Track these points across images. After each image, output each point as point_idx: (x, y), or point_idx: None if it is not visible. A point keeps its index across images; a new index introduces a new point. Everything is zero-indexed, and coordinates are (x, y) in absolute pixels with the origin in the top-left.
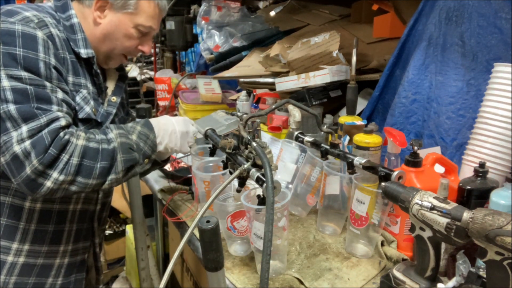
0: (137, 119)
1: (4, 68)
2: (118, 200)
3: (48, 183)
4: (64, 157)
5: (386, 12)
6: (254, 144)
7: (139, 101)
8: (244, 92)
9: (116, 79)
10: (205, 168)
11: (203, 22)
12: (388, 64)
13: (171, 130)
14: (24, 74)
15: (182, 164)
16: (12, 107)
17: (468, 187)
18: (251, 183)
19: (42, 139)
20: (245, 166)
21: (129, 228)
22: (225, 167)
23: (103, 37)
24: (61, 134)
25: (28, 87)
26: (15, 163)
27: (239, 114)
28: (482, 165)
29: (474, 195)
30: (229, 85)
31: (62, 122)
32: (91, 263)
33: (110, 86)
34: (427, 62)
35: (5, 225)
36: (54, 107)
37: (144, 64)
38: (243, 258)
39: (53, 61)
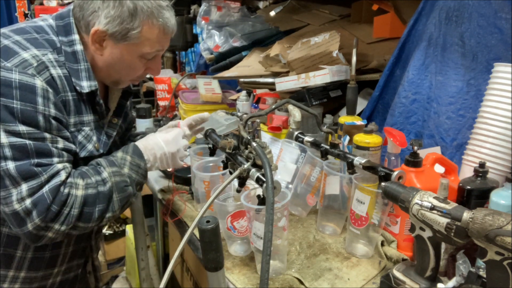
0: (125, 146)
1: (1, 123)
2: None
3: (50, 234)
4: (65, 210)
5: (386, 12)
6: (254, 144)
7: (139, 101)
8: (244, 92)
9: (119, 96)
10: (205, 168)
11: (203, 22)
12: (388, 64)
13: (160, 154)
14: (22, 128)
15: None
16: (11, 166)
17: (468, 187)
18: (251, 183)
19: (43, 198)
20: (245, 166)
21: (129, 228)
22: (225, 167)
23: (106, 69)
24: (61, 189)
25: (27, 142)
26: (16, 219)
27: (239, 114)
28: (482, 165)
29: (474, 195)
30: (229, 85)
31: (62, 177)
32: (89, 270)
33: (112, 106)
34: (427, 62)
35: (2, 254)
36: (55, 159)
37: None
38: (243, 258)
39: (52, 112)
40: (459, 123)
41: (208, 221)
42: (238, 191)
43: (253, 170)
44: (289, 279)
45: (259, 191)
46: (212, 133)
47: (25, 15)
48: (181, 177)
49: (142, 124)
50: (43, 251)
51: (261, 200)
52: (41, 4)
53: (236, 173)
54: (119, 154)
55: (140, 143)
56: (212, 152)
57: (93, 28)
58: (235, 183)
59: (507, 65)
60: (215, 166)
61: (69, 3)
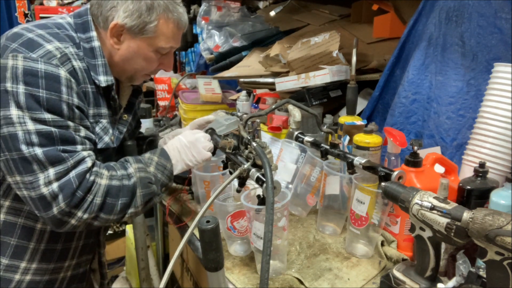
0: (153, 150)
1: (28, 110)
2: None
3: (73, 221)
4: (89, 198)
5: (386, 12)
6: (254, 144)
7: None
8: (244, 92)
9: (129, 94)
10: (205, 168)
11: (203, 22)
12: (388, 64)
13: (179, 145)
14: (48, 116)
15: None
16: (38, 151)
17: (468, 187)
18: (251, 183)
19: (70, 183)
20: (245, 166)
21: (129, 228)
22: (225, 167)
23: (122, 63)
24: (87, 175)
25: (52, 129)
26: (41, 203)
27: (239, 114)
28: (482, 165)
29: (474, 195)
30: (229, 85)
31: (89, 163)
32: (95, 267)
33: (123, 103)
34: (427, 62)
35: (15, 245)
36: (79, 147)
37: None
38: (243, 258)
39: (75, 101)
40: (459, 123)
41: (208, 221)
42: (238, 191)
43: (253, 170)
44: (289, 279)
45: (259, 191)
46: (212, 133)
47: (25, 15)
48: (181, 177)
49: (142, 124)
50: (55, 243)
51: (261, 200)
52: (41, 4)
53: (236, 173)
54: (146, 155)
55: (165, 146)
56: (212, 152)
57: (112, 22)
58: (235, 183)
59: (507, 65)
60: (215, 166)
61: (68, 3)
